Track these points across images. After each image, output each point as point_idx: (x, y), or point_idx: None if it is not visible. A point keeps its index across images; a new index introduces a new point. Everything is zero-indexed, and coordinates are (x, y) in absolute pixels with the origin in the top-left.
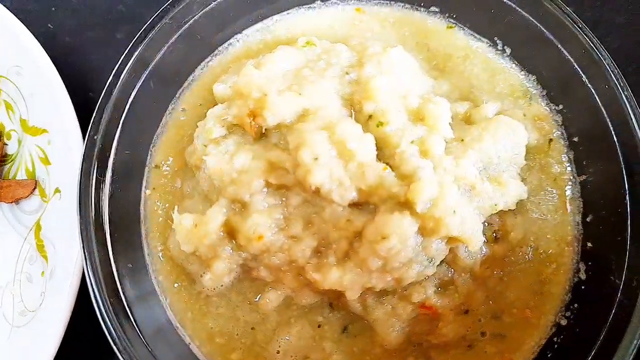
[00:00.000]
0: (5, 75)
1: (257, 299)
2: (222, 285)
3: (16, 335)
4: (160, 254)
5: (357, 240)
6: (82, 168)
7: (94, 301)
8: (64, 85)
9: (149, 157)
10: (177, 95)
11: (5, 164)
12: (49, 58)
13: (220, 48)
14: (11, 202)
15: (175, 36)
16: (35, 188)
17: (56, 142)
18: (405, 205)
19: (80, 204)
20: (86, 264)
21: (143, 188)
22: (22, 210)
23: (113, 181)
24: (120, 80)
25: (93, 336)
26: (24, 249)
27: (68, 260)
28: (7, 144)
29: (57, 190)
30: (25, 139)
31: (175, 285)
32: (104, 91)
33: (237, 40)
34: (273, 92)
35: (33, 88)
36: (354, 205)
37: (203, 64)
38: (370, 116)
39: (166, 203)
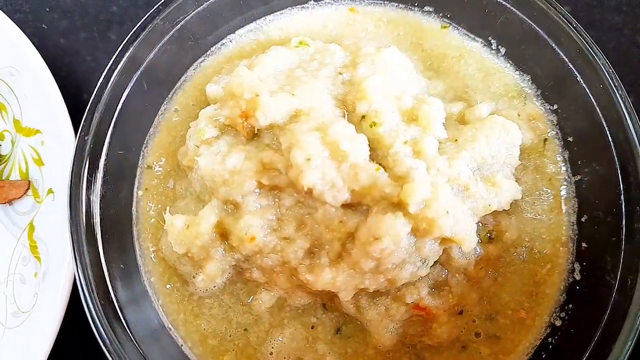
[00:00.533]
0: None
1: (249, 300)
2: (214, 287)
3: (9, 336)
4: (153, 255)
5: (350, 241)
6: (72, 168)
7: (84, 303)
8: (57, 86)
9: (141, 158)
10: (169, 96)
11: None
12: (42, 59)
13: (213, 48)
14: (4, 203)
15: (168, 36)
16: (28, 189)
17: (49, 142)
18: (398, 206)
19: (70, 205)
20: (77, 266)
21: (135, 189)
22: (15, 211)
23: (105, 182)
24: (112, 80)
25: (86, 337)
26: (17, 250)
27: (61, 261)
28: (0, 145)
29: (50, 191)
30: (19, 139)
31: (168, 286)
32: (94, 91)
33: (230, 41)
34: (265, 92)
35: (26, 89)
36: (347, 206)
37: (195, 65)
38: (363, 116)
39: (159, 204)
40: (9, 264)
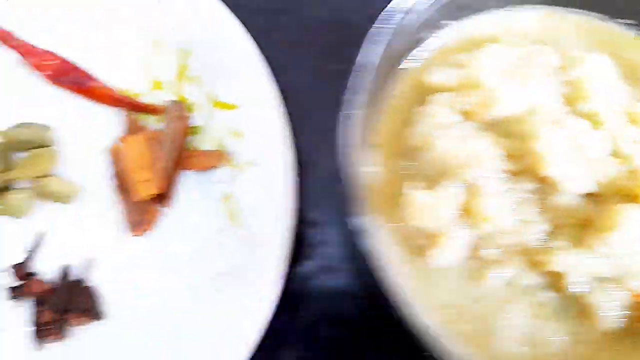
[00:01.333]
0: (196, 49)
1: (484, 276)
2: (451, 261)
3: (221, 305)
4: (389, 228)
5: (586, 228)
6: (345, 144)
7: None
8: (260, 57)
9: (369, 137)
10: (390, 82)
11: (194, 135)
12: (244, 29)
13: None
14: (201, 170)
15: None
16: (225, 159)
17: (248, 115)
18: (635, 199)
19: (344, 180)
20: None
21: (367, 165)
22: (212, 180)
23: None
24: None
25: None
26: (215, 218)
27: (266, 231)
28: (194, 116)
29: (247, 163)
30: (214, 112)
31: (405, 257)
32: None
33: (436, 37)
34: (500, 85)
35: (228, 60)
36: (586, 194)
37: (410, 57)
38: (585, 115)
39: (390, 181)
40: (207, 232)
